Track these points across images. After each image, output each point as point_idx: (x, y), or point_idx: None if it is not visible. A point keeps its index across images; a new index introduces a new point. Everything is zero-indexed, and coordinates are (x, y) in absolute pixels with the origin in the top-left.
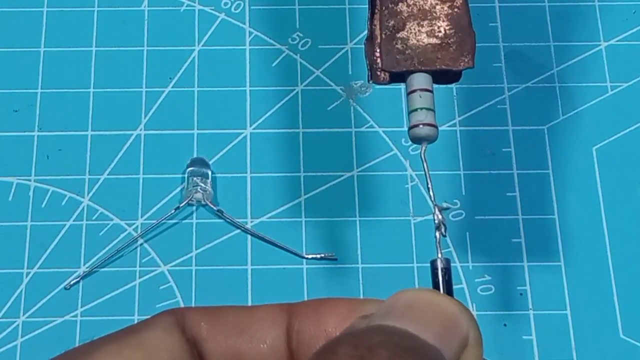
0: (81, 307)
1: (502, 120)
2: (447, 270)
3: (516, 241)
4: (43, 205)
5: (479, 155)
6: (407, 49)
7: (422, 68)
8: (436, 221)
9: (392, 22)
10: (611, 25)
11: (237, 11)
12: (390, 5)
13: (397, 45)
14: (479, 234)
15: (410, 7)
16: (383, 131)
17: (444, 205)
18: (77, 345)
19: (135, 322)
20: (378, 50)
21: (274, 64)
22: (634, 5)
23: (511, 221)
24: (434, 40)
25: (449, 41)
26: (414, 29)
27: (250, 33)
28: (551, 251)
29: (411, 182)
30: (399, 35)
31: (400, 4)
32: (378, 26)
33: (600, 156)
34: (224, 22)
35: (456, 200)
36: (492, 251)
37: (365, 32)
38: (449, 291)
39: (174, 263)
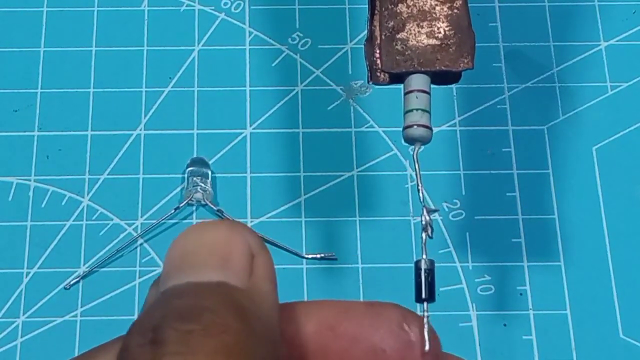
0: (81, 307)
1: (502, 120)
2: (430, 272)
3: (516, 241)
4: (43, 205)
5: (479, 155)
6: (406, 50)
7: (422, 69)
8: (423, 222)
9: (391, 23)
10: (611, 25)
11: (237, 11)
12: (389, 6)
13: (396, 46)
14: (479, 234)
15: (410, 8)
16: (383, 131)
17: (445, 206)
18: (76, 345)
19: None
20: (378, 51)
21: (274, 64)
22: (634, 5)
23: (511, 221)
24: (433, 41)
25: (449, 42)
26: (414, 30)
27: (250, 33)
28: (551, 251)
29: (411, 182)
30: (398, 36)
31: (400, 5)
32: (378, 27)
33: (600, 156)
34: (224, 22)
35: (456, 200)
36: (492, 251)
37: (365, 32)
38: (431, 292)
39: None
